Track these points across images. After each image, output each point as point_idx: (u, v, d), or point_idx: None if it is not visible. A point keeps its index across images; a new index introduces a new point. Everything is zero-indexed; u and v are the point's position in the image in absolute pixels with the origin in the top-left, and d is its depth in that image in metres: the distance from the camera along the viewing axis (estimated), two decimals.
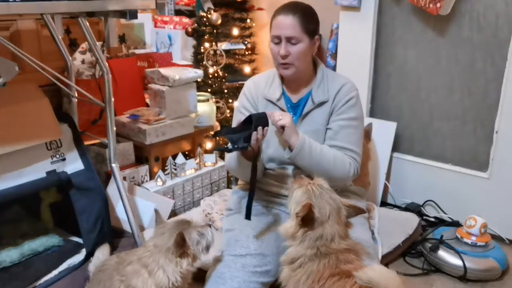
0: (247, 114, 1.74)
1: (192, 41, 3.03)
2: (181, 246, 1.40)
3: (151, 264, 1.41)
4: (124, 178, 2.20)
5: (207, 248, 1.48)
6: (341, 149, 1.66)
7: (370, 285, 1.23)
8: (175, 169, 2.33)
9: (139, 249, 1.51)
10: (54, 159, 1.81)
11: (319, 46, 1.80)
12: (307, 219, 1.35)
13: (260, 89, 1.77)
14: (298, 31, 1.61)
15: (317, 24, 1.70)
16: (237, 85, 2.86)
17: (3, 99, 1.73)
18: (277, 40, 1.64)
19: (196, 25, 2.94)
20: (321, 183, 1.43)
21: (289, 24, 1.61)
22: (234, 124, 1.72)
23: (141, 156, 2.42)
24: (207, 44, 2.84)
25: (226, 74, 2.88)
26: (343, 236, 1.38)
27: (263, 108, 1.76)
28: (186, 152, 2.63)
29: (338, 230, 1.37)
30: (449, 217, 2.38)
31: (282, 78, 1.76)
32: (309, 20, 1.65)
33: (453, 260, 1.96)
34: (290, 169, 1.73)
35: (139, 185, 2.28)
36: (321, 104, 1.70)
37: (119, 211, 2.08)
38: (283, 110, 1.72)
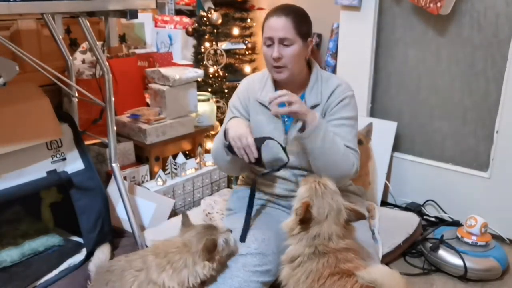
0: (237, 113, 1.76)
1: (192, 41, 3.03)
2: (210, 252, 1.41)
3: (178, 261, 1.41)
4: (125, 178, 2.20)
5: (229, 256, 1.51)
6: None
7: (373, 285, 1.24)
8: (176, 169, 2.33)
9: (163, 242, 1.50)
10: (55, 158, 1.81)
11: (318, 46, 1.79)
12: (304, 218, 1.36)
13: (253, 90, 1.76)
14: (291, 33, 1.59)
15: (310, 27, 1.68)
16: (237, 84, 2.85)
17: (3, 99, 1.73)
18: (269, 42, 1.62)
19: (196, 24, 2.94)
20: (327, 183, 1.43)
21: (282, 25, 1.58)
22: (226, 120, 1.72)
23: (142, 155, 2.42)
24: (207, 44, 2.84)
25: (226, 74, 2.88)
26: (341, 236, 1.38)
27: (253, 110, 1.75)
28: (187, 152, 2.63)
29: (335, 230, 1.37)
30: (449, 217, 2.38)
31: (275, 81, 1.75)
32: (302, 22, 1.62)
33: (453, 259, 1.96)
34: (289, 171, 1.73)
35: (139, 184, 2.28)
36: (314, 107, 1.68)
37: (120, 210, 2.08)
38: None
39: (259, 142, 1.57)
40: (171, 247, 1.45)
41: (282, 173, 1.74)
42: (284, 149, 1.63)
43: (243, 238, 1.60)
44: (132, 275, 1.41)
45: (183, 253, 1.42)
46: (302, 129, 1.58)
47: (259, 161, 1.57)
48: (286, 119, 1.73)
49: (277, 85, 1.74)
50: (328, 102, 1.68)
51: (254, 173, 1.85)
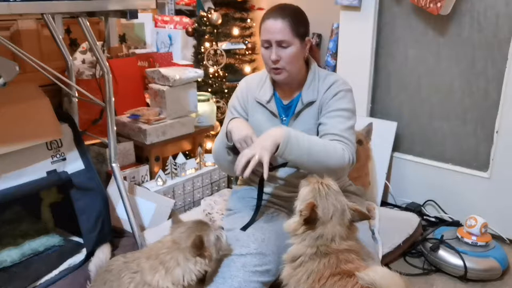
0: (236, 114, 1.75)
1: (192, 41, 3.03)
2: (198, 248, 1.41)
3: (170, 261, 1.41)
4: (125, 178, 2.20)
5: (220, 250, 1.51)
6: (330, 135, 1.60)
7: (372, 287, 1.23)
8: (176, 169, 2.33)
9: (155, 245, 1.50)
10: (55, 159, 1.81)
11: (318, 46, 1.78)
12: (309, 218, 1.36)
13: (251, 90, 1.76)
14: (288, 35, 1.58)
15: (307, 26, 1.67)
16: (237, 85, 2.85)
17: (3, 99, 1.73)
18: (267, 44, 1.62)
19: (196, 25, 2.94)
20: (330, 183, 1.42)
21: (279, 28, 1.58)
22: (227, 121, 1.71)
23: (142, 156, 2.42)
24: (207, 44, 2.84)
25: (226, 74, 2.88)
26: (344, 237, 1.37)
27: (251, 110, 1.75)
28: (187, 152, 2.63)
29: (339, 231, 1.36)
30: (449, 217, 2.38)
31: (273, 80, 1.74)
32: (299, 23, 1.61)
33: (453, 260, 1.96)
34: (288, 171, 1.73)
35: (139, 185, 2.28)
36: (310, 103, 1.67)
37: (120, 211, 2.08)
38: (273, 113, 1.71)
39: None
40: (161, 248, 1.45)
41: (281, 173, 1.74)
42: None
43: (245, 228, 1.62)
44: (128, 277, 1.41)
45: (174, 251, 1.43)
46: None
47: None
48: (284, 118, 1.73)
49: (275, 84, 1.74)
50: (323, 97, 1.67)
51: (253, 173, 1.84)
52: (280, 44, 1.59)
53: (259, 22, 1.67)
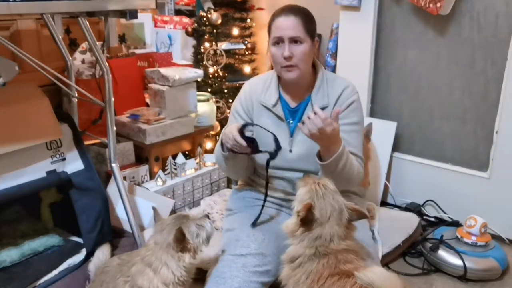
0: (239, 118, 1.74)
1: (192, 41, 3.03)
2: (181, 242, 1.41)
3: (155, 262, 1.41)
4: (124, 178, 2.20)
5: (208, 239, 1.49)
6: None
7: (370, 287, 1.24)
8: (175, 169, 2.33)
9: (141, 249, 1.52)
10: (54, 159, 1.81)
11: (318, 46, 1.78)
12: (307, 219, 1.35)
13: (256, 93, 1.74)
14: (301, 32, 1.59)
15: (316, 26, 1.68)
16: (237, 85, 2.86)
17: (3, 99, 1.73)
18: (279, 41, 1.61)
19: (196, 25, 2.94)
20: (326, 183, 1.42)
21: (291, 24, 1.58)
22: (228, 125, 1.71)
23: (141, 156, 2.42)
24: (207, 44, 2.84)
25: (226, 74, 2.88)
26: (342, 237, 1.37)
27: (257, 114, 1.73)
28: (186, 152, 2.63)
29: (337, 231, 1.36)
30: (449, 217, 2.38)
31: (279, 82, 1.73)
32: (310, 21, 1.63)
33: (453, 260, 1.96)
34: (294, 174, 1.72)
35: (139, 185, 2.28)
36: (322, 109, 1.67)
37: (119, 211, 2.08)
38: (279, 116, 1.69)
39: (242, 128, 1.56)
40: (145, 251, 1.46)
41: (286, 175, 1.73)
42: (275, 137, 1.60)
43: (254, 224, 1.64)
44: (122, 280, 1.42)
45: (157, 252, 1.43)
46: (319, 153, 1.56)
47: (254, 149, 1.57)
48: (290, 121, 1.72)
49: (282, 86, 1.73)
50: (336, 105, 1.67)
51: (257, 175, 1.83)
52: (292, 40, 1.59)
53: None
